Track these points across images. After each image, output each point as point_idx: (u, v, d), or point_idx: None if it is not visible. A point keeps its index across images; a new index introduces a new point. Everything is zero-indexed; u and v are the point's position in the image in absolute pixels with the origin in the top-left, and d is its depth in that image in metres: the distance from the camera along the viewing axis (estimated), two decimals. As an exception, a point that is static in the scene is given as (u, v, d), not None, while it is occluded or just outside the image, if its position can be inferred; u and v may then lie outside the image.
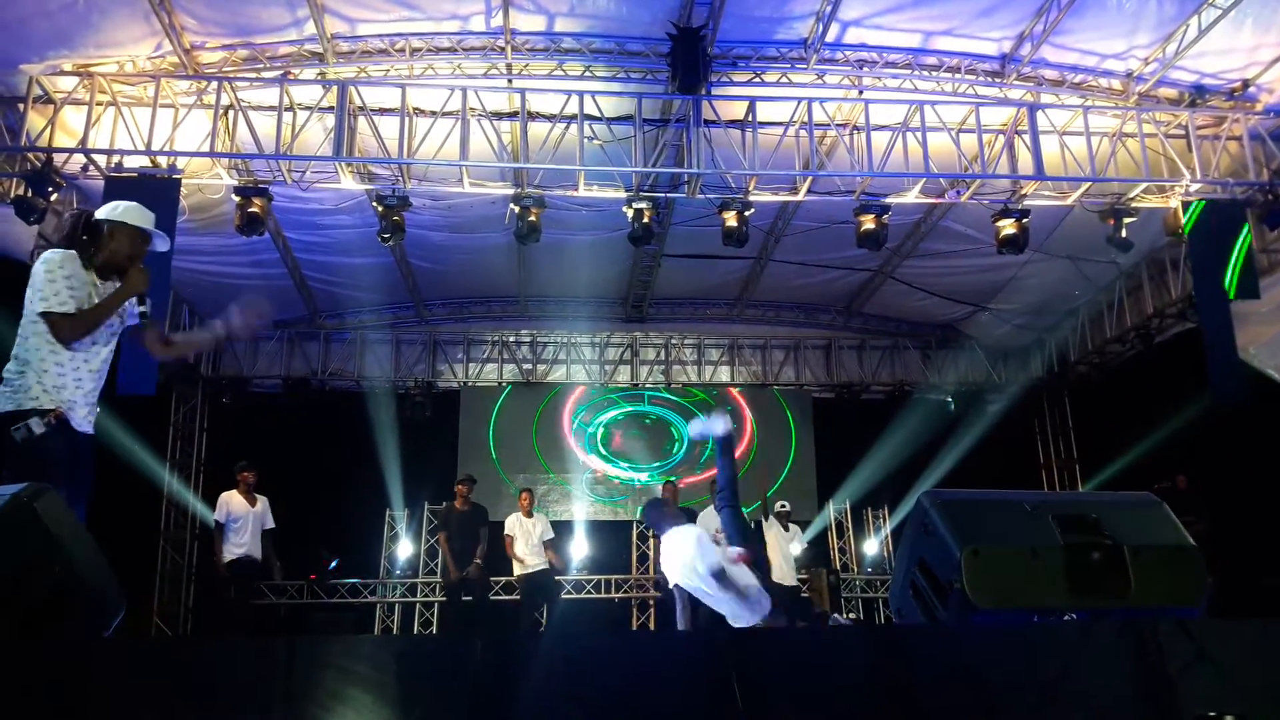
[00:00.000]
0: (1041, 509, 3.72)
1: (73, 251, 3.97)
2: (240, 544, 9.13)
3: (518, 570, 10.36)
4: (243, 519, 9.17)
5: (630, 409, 14.82)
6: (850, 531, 14.95)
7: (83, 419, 4.01)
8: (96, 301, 3.97)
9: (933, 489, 4.00)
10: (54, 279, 3.88)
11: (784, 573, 10.06)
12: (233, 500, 9.18)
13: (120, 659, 3.26)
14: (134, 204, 4.17)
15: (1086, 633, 3.47)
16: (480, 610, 10.07)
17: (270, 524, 9.36)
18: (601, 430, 14.57)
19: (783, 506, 10.91)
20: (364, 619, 13.57)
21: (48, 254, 3.95)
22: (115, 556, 4.83)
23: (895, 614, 4.18)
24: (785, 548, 10.47)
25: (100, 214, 4.08)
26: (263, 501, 9.36)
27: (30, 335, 3.89)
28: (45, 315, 3.85)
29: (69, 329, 3.87)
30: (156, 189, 8.83)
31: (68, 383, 3.93)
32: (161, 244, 4.18)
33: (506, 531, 10.33)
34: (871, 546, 14.99)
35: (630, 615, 14.01)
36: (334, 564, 13.77)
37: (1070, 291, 13.07)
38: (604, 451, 14.47)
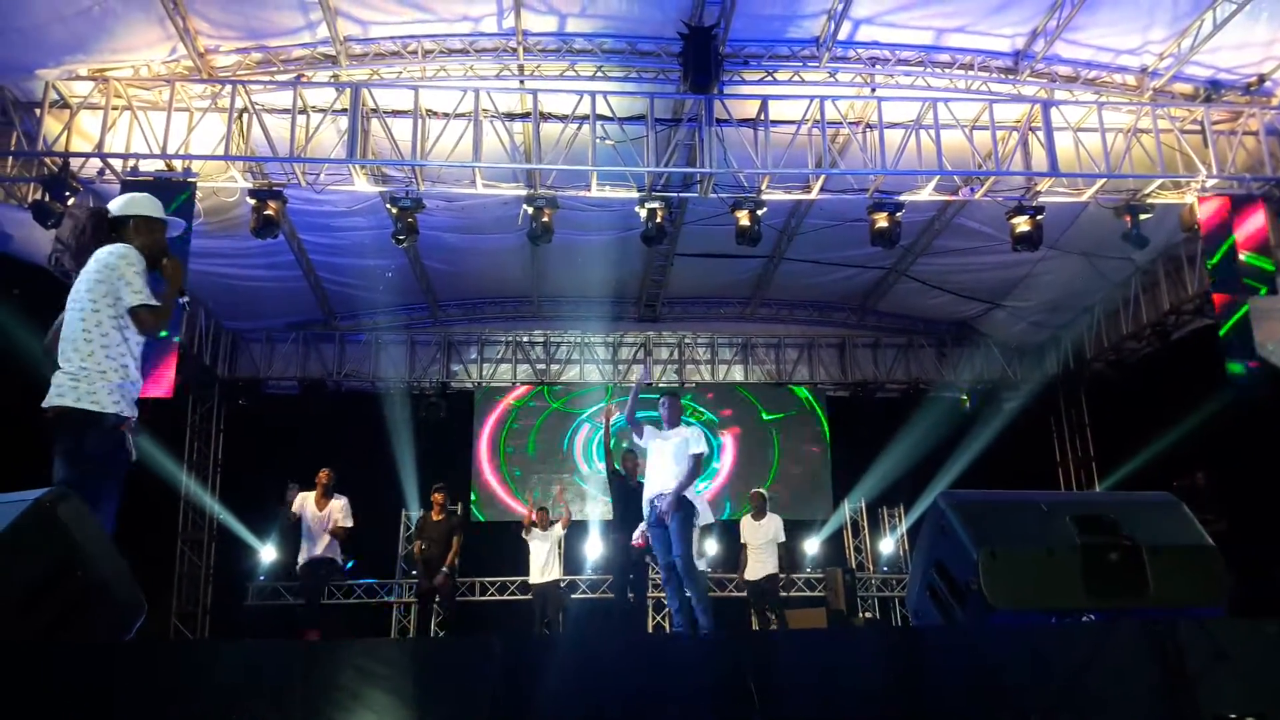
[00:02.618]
0: (1058, 509, 3.71)
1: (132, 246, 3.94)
2: (310, 545, 9.11)
3: (531, 580, 10.51)
4: (313, 520, 9.16)
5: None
6: (866, 530, 14.92)
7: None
8: None
9: (949, 490, 3.99)
10: (138, 273, 3.85)
11: (756, 565, 9.89)
12: (306, 502, 9.17)
13: (141, 661, 3.28)
14: (143, 194, 4.17)
15: (1104, 634, 3.45)
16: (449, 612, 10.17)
17: (346, 523, 9.22)
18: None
19: (758, 492, 10.48)
20: (380, 619, 13.64)
21: (120, 249, 3.89)
22: (133, 558, 4.87)
23: (912, 615, 4.17)
24: (758, 538, 10.13)
25: (115, 209, 4.06)
26: (336, 503, 9.18)
27: (109, 330, 3.82)
28: (140, 309, 3.83)
29: (155, 321, 3.88)
30: (172, 192, 8.90)
31: (131, 375, 3.91)
32: (175, 229, 4.19)
33: (525, 535, 10.54)
34: (887, 545, 14.95)
35: (646, 615, 14.00)
36: (350, 564, 13.83)
37: (1085, 288, 12.99)
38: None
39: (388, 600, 13.81)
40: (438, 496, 10.02)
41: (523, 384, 14.77)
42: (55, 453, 3.76)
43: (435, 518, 9.93)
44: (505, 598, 13.84)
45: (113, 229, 4.00)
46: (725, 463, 14.67)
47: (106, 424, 3.77)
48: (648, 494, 6.94)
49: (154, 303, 3.86)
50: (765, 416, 14.88)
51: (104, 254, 3.87)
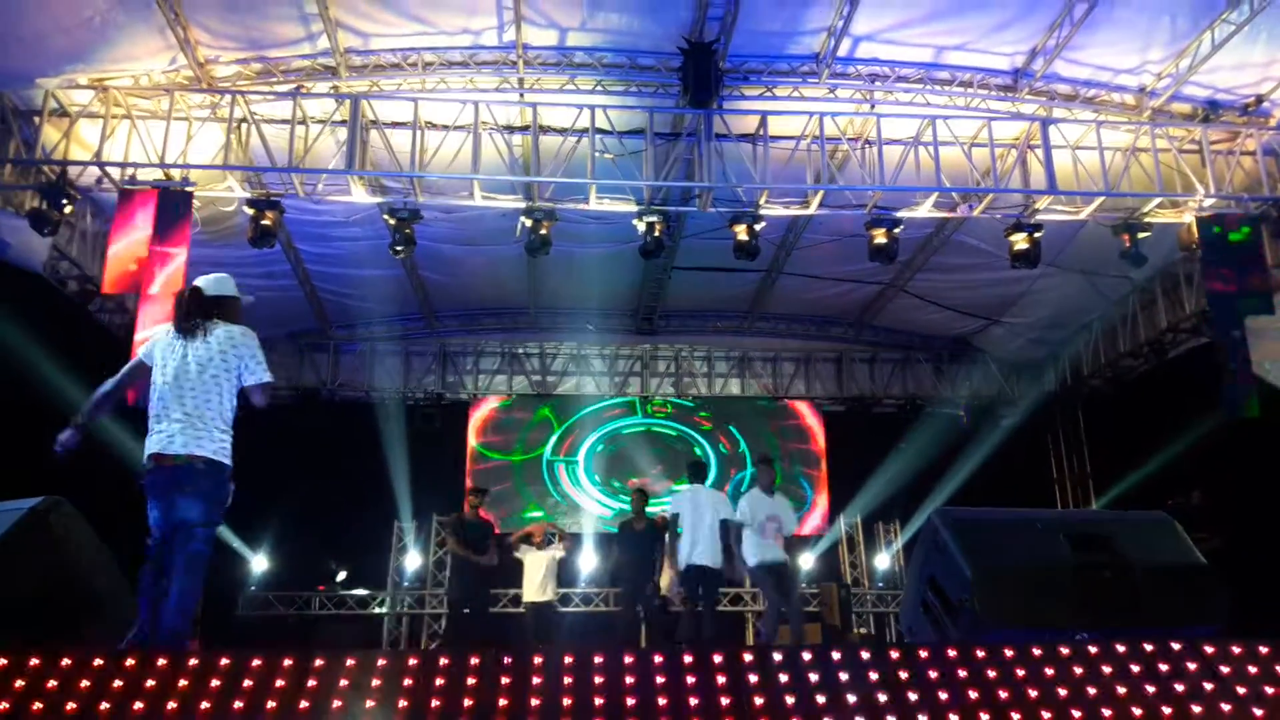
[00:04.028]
0: (1052, 527, 3.70)
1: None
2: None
3: (526, 597, 10.45)
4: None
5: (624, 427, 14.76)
6: (861, 546, 14.88)
7: None
8: None
9: (943, 507, 3.98)
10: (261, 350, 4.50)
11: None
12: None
13: (134, 669, 3.26)
14: (225, 275, 4.72)
15: (1098, 652, 3.43)
16: (482, 623, 9.95)
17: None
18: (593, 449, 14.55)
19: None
20: (372, 630, 13.58)
21: (249, 330, 4.54)
22: (123, 568, 4.86)
23: (906, 632, 4.15)
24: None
25: (212, 290, 4.61)
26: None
27: (232, 397, 4.45)
28: (268, 385, 4.49)
29: (268, 395, 4.53)
30: (169, 201, 8.90)
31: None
32: (249, 301, 4.81)
33: (518, 554, 10.41)
34: (883, 561, 14.91)
35: (640, 629, 13.92)
36: (342, 575, 13.80)
37: (1083, 306, 13.01)
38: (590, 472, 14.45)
39: (379, 611, 13.74)
40: (473, 498, 9.79)
41: (517, 395, 14.76)
42: (185, 493, 4.28)
43: (470, 517, 9.57)
44: (496, 610, 13.77)
45: (215, 305, 4.56)
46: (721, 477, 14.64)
47: (227, 474, 4.40)
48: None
49: (274, 379, 4.55)
50: (761, 430, 14.85)
51: (236, 333, 4.50)
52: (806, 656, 3.26)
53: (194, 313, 4.50)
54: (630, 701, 3.18)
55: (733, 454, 14.58)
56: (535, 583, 10.31)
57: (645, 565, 9.48)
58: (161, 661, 3.29)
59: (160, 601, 4.13)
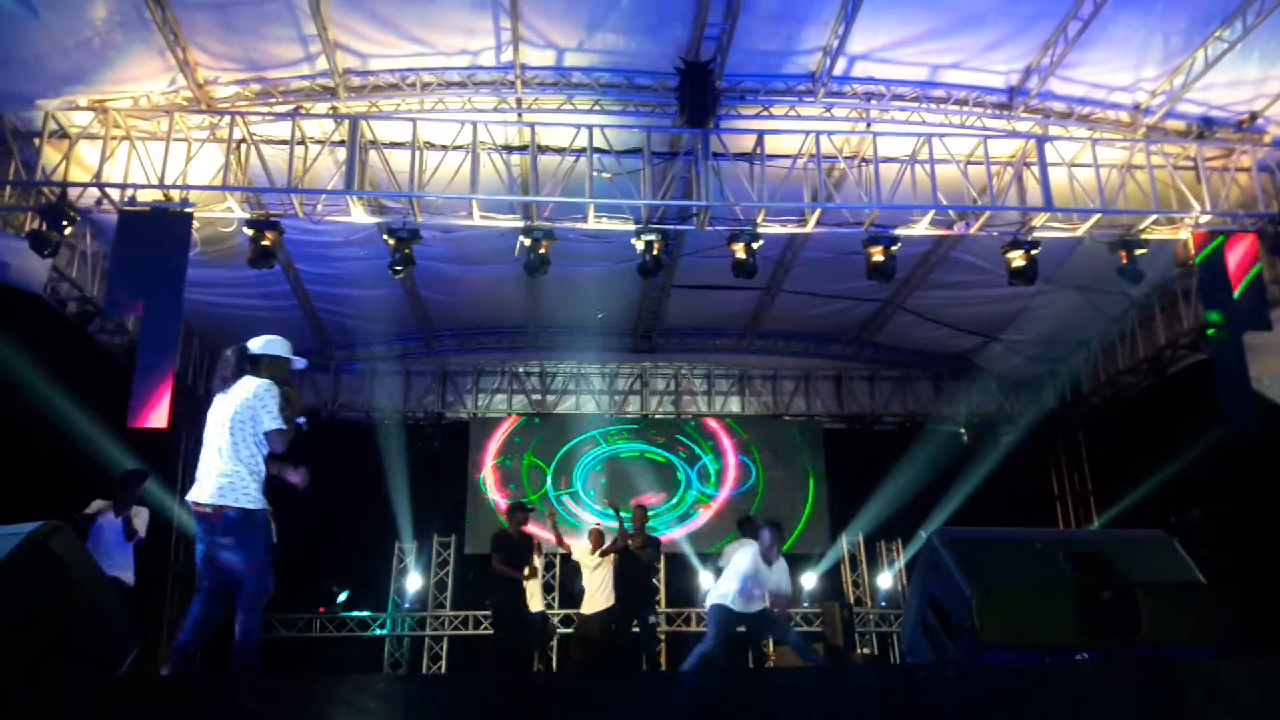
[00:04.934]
0: (1052, 547, 3.69)
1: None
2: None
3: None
4: None
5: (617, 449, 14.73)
6: (864, 564, 14.81)
7: None
8: None
9: (943, 526, 3.96)
10: (279, 401, 4.79)
11: None
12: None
13: (132, 697, 3.24)
14: (278, 337, 5.08)
15: (1098, 673, 3.41)
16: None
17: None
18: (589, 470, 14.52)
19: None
20: (373, 652, 13.50)
21: (267, 382, 4.83)
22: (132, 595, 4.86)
23: (907, 653, 4.12)
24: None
25: (256, 348, 4.98)
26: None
27: (255, 446, 4.76)
28: (277, 432, 4.75)
29: (284, 441, 4.80)
30: (169, 222, 8.92)
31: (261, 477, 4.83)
32: (299, 364, 5.16)
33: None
34: (885, 580, 14.84)
35: (638, 652, 13.84)
36: (343, 596, 13.73)
37: (1081, 322, 13.02)
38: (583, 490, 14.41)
39: (379, 633, 13.67)
40: (516, 514, 9.75)
41: (519, 414, 14.75)
42: (223, 544, 4.67)
43: (515, 536, 9.54)
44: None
45: (251, 363, 4.92)
46: (721, 495, 14.60)
47: (259, 518, 4.74)
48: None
49: (284, 427, 4.77)
50: (760, 448, 14.83)
51: (256, 385, 4.80)
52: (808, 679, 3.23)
53: (231, 368, 4.88)
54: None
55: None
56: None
57: (644, 585, 9.47)
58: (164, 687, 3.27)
59: (203, 630, 4.64)
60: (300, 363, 5.17)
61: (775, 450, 14.83)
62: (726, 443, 14.83)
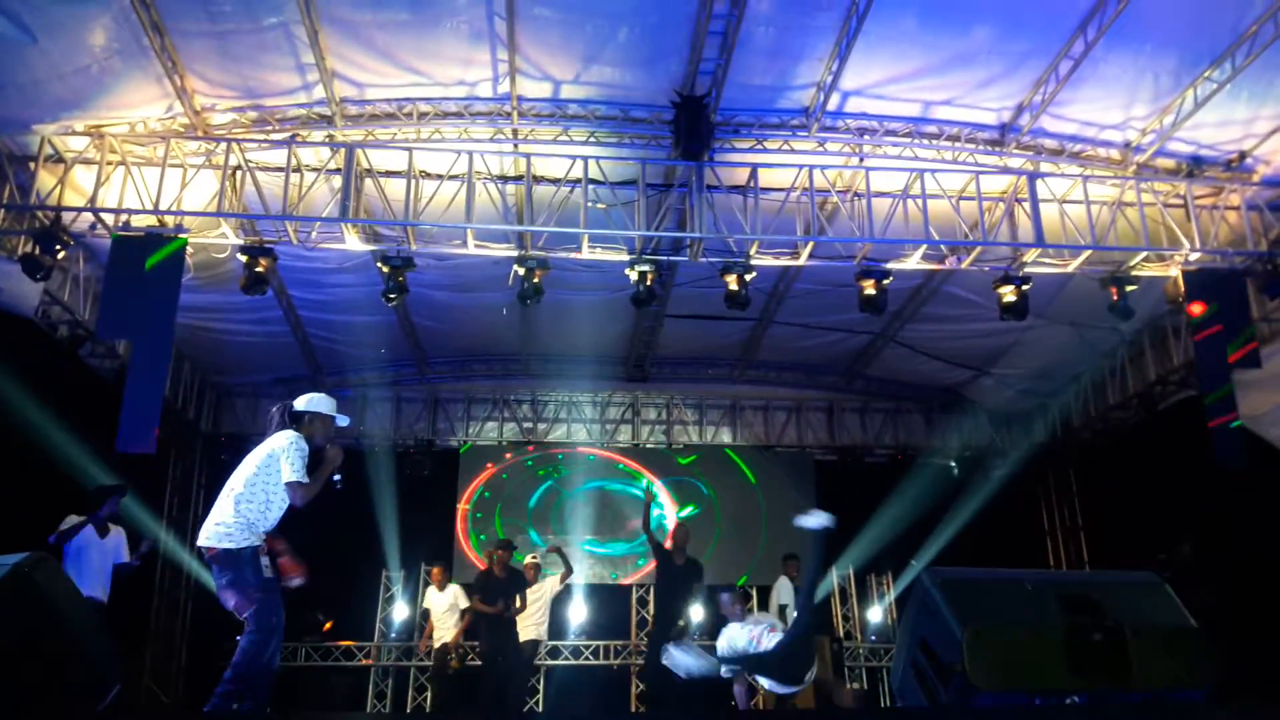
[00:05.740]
0: (1043, 588, 3.68)
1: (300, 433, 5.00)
2: None
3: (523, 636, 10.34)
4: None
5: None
6: (854, 598, 14.74)
7: None
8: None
9: (933, 566, 3.95)
10: (303, 455, 4.90)
11: None
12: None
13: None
14: (323, 395, 5.24)
15: (1089, 716, 3.40)
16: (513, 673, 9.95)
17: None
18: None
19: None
20: (358, 682, 13.35)
21: (292, 434, 4.97)
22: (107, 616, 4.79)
23: (897, 694, 4.09)
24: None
25: (299, 405, 5.14)
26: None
27: (270, 493, 4.88)
28: (295, 484, 4.84)
29: (304, 494, 4.88)
30: (162, 247, 8.91)
31: (270, 527, 4.95)
32: (342, 421, 5.25)
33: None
34: (875, 614, 14.76)
35: (629, 683, 13.76)
36: (328, 625, 13.59)
37: (1072, 357, 13.06)
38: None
39: (365, 663, 13.52)
40: (501, 554, 10.07)
41: (509, 443, 14.72)
42: (218, 584, 4.83)
43: (499, 574, 9.90)
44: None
45: (294, 419, 5.09)
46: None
47: (245, 556, 4.77)
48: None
49: (304, 480, 4.87)
50: (753, 480, 14.80)
51: (281, 436, 4.96)
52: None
53: (275, 425, 5.06)
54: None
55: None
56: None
57: (679, 603, 9.49)
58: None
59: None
60: (344, 420, 5.28)
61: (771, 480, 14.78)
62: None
